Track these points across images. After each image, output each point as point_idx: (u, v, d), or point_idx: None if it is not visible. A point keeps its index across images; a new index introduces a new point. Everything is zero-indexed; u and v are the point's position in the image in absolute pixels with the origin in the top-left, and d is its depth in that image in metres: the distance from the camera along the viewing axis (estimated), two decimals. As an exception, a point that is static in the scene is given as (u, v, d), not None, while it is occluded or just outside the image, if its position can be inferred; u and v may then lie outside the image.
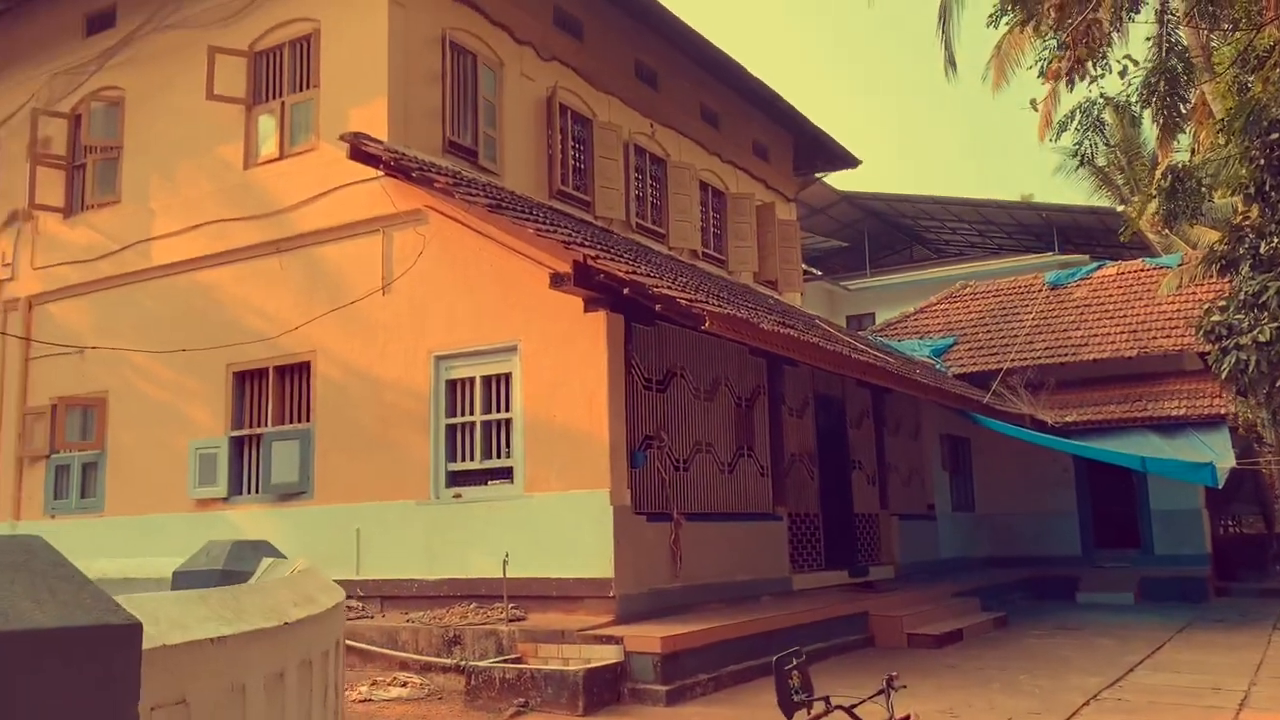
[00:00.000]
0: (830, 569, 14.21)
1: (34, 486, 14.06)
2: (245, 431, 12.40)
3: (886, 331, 22.88)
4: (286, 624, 2.86)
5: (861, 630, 12.36)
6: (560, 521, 10.04)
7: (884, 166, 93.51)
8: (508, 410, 10.63)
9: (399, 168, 10.68)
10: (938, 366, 19.96)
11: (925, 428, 18.28)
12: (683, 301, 8.87)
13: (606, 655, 8.90)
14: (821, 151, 21.28)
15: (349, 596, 11.07)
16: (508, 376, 10.65)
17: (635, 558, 10.03)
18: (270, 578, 4.68)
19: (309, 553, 11.43)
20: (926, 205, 30.92)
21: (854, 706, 4.43)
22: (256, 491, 12.18)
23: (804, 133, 20.39)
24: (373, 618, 10.75)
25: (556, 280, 9.68)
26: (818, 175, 23.32)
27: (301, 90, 12.53)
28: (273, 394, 12.24)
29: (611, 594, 9.69)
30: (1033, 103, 7.69)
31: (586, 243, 10.13)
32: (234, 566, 5.22)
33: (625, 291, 9.27)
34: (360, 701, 9.16)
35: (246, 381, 12.52)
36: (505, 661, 8.96)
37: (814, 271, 33.23)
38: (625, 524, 9.93)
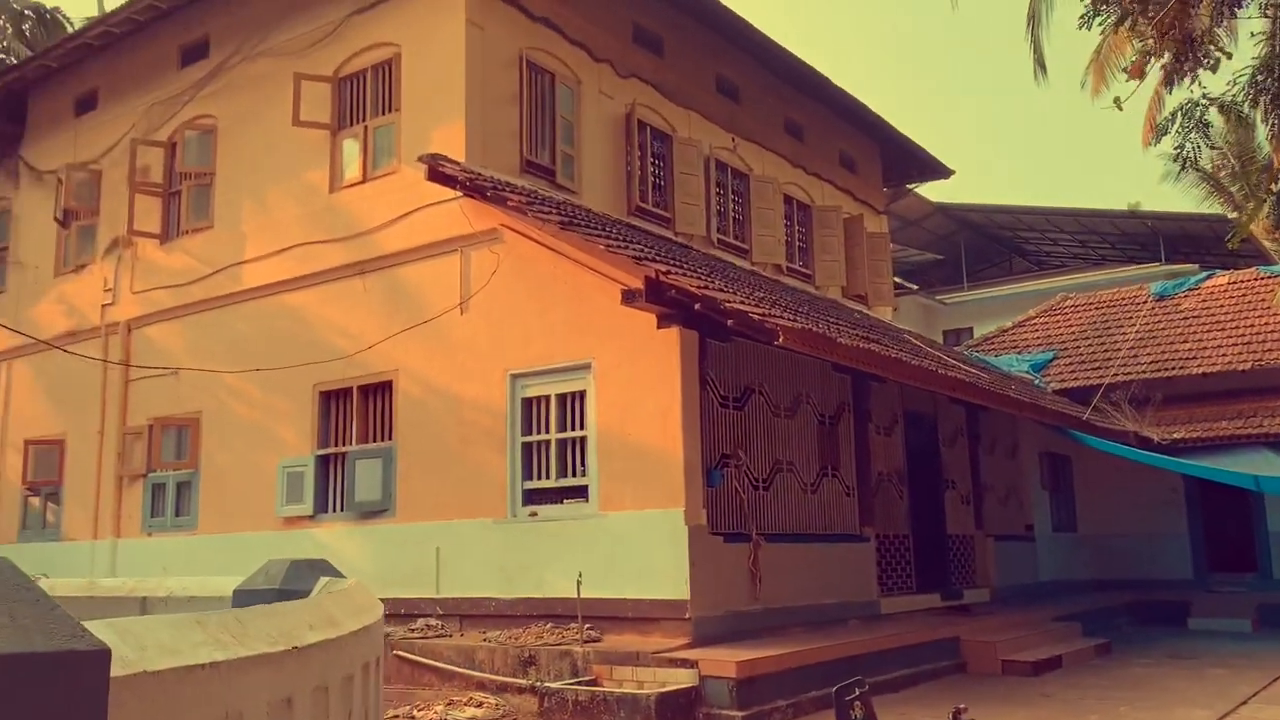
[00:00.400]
0: (921, 592, 13.76)
1: (133, 505, 14.48)
2: (331, 450, 12.57)
3: (983, 346, 22.21)
4: (296, 649, 2.76)
5: (953, 656, 11.90)
6: (635, 541, 9.90)
7: (983, 178, 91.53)
8: (582, 428, 10.54)
9: (474, 187, 10.72)
10: (1036, 382, 19.26)
11: (1023, 445, 17.63)
12: (755, 316, 8.67)
13: (681, 679, 8.71)
14: (912, 162, 20.83)
15: (429, 615, 11.14)
16: (582, 394, 10.57)
17: (712, 579, 9.81)
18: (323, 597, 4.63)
19: (391, 571, 11.56)
20: (1025, 216, 30.02)
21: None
22: (341, 509, 12.32)
23: (892, 143, 19.98)
24: (451, 636, 10.74)
25: (628, 296, 9.58)
26: (909, 186, 22.84)
27: (383, 114, 12.71)
28: (357, 413, 12.39)
29: (687, 616, 9.49)
30: (1117, 101, 7.25)
31: (659, 258, 10.00)
32: (291, 586, 5.19)
33: (696, 307, 9.11)
34: (435, 722, 9.14)
35: (332, 401, 12.70)
36: (578, 684, 8.83)
37: (909, 286, 32.57)
38: (701, 544, 9.73)
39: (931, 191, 28.53)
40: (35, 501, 15.93)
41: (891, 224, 28.82)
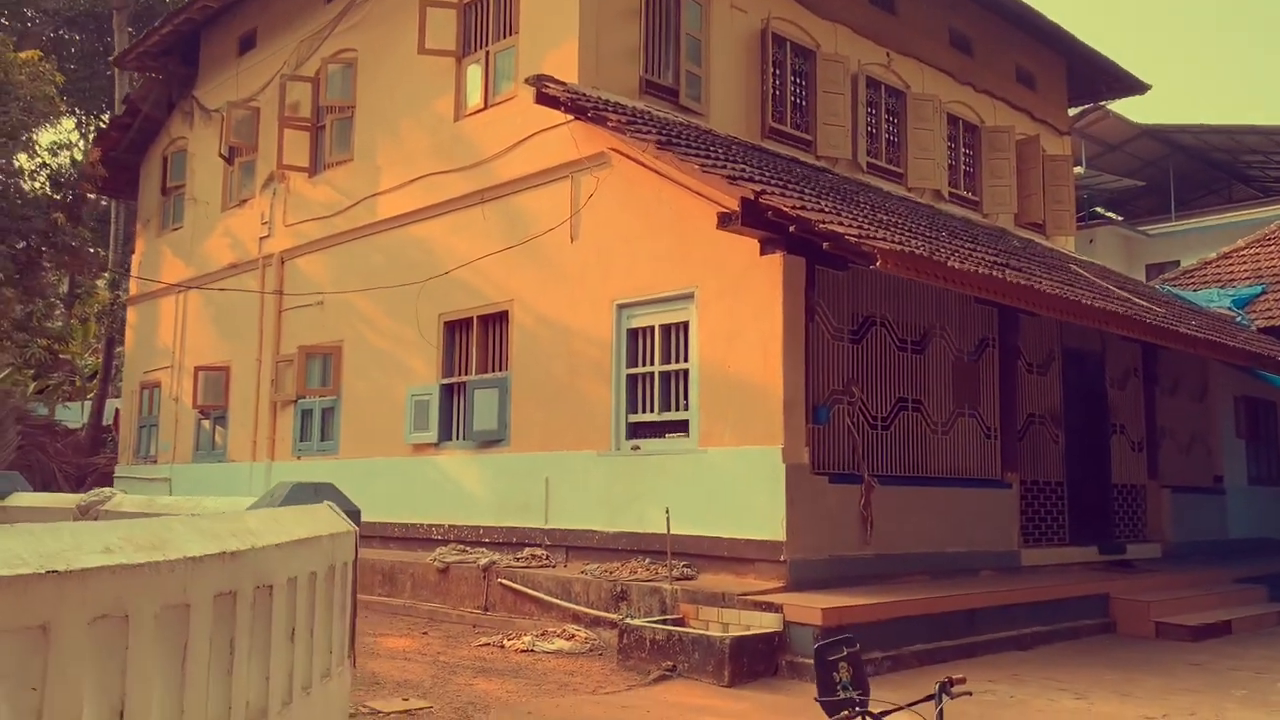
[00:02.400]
0: (1075, 544, 12.64)
1: (285, 429, 15.12)
2: (453, 379, 12.63)
3: (1180, 280, 20.13)
4: (57, 573, 2.50)
5: (1100, 615, 10.87)
6: (733, 479, 9.42)
7: (1201, 94, 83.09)
8: (685, 361, 10.08)
9: (576, 108, 10.33)
10: (1238, 319, 17.28)
11: (1214, 388, 15.90)
12: (851, 237, 7.92)
13: (765, 623, 8.24)
14: (1100, 76, 18.93)
15: (538, 545, 11.07)
16: (685, 325, 10.10)
17: (813, 521, 9.22)
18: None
19: (506, 500, 11.54)
20: (1247, 136, 26.94)
21: (886, 714, 3.57)
22: (462, 438, 12.38)
23: (1077, 56, 18.18)
24: (555, 567, 10.64)
25: (724, 219, 8.98)
26: (1100, 104, 20.84)
27: (504, 38, 12.46)
28: (476, 343, 12.37)
29: (782, 558, 8.97)
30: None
31: (767, 179, 9.32)
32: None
33: (791, 229, 8.44)
34: (522, 651, 9.05)
35: (455, 331, 12.73)
36: (656, 622, 8.50)
37: (1110, 216, 30.10)
38: (801, 484, 9.14)
39: (1138, 113, 26.02)
40: (206, 425, 16.92)
41: (1089, 149, 26.63)
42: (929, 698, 3.59)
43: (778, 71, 13.46)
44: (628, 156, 10.51)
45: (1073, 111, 20.47)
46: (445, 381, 12.66)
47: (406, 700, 7.04)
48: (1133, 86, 19.21)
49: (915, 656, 8.59)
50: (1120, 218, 30.19)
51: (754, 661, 7.90)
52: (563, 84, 10.77)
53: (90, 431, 24.44)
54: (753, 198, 8.64)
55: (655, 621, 8.55)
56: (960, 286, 8.72)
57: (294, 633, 3.69)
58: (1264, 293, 18.23)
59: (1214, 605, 11.67)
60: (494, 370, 12.12)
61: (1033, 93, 17.97)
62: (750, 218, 8.79)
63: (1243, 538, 15.69)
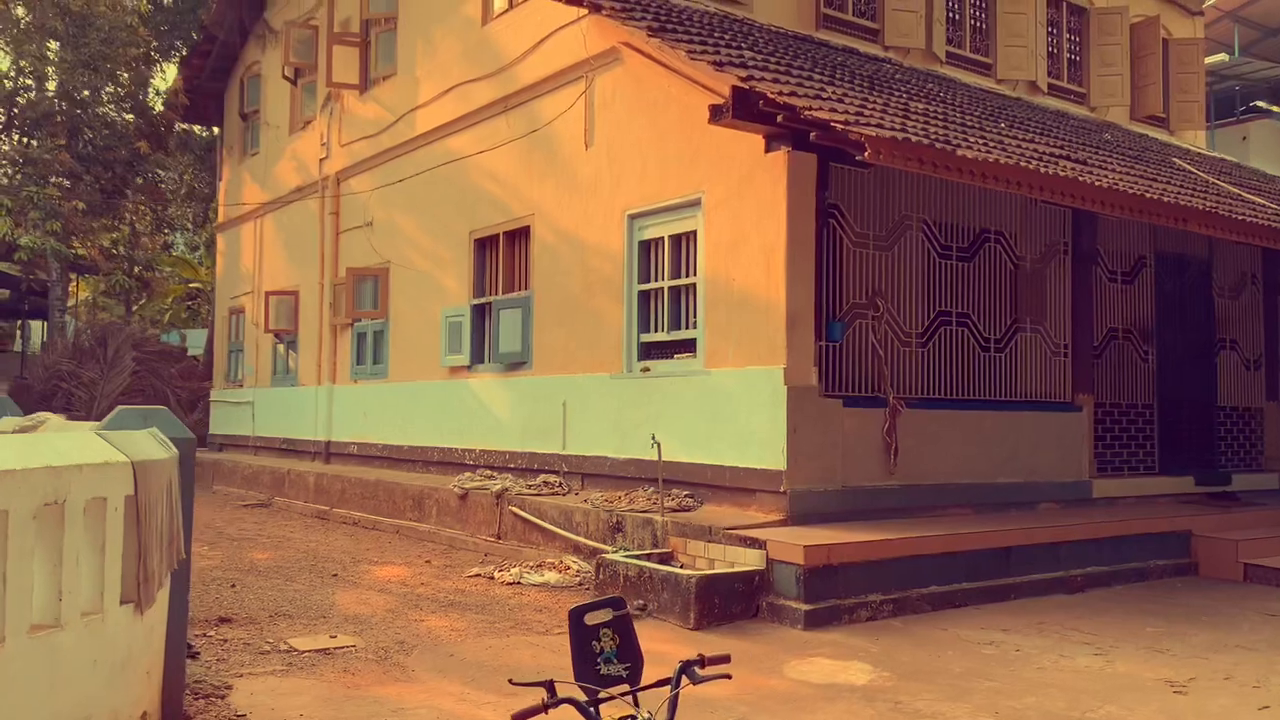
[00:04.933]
0: (1166, 474, 11.26)
1: (343, 353, 14.99)
2: (484, 300, 12.12)
3: (1339, 176, 17.71)
4: None
5: (1179, 555, 9.61)
6: (736, 402, 8.58)
7: None
8: (694, 274, 9.22)
9: (579, -3, 9.45)
10: (1399, 218, 15.03)
11: (1361, 299, 13.88)
12: (837, 124, 6.87)
13: (749, 560, 7.46)
14: (1242, -55, 16.61)
15: (556, 471, 10.53)
16: (694, 235, 9.21)
17: (821, 449, 8.31)
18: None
19: (529, 424, 11.02)
20: None
21: (600, 703, 2.81)
22: (491, 360, 11.88)
23: (1210, -78, 15.95)
24: (567, 495, 10.09)
25: (716, 112, 7.98)
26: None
27: (527, -68, 11.61)
28: (502, 260, 11.80)
29: (782, 489, 8.12)
30: None
31: (761, 63, 8.25)
32: (109, 429, 4.63)
33: (779, 118, 7.43)
34: (509, 584, 8.58)
35: (485, 249, 12.19)
36: (633, 557, 7.83)
37: (1273, 110, 27.03)
38: (806, 408, 8.23)
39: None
40: (281, 349, 17.03)
41: (1243, 35, 23.89)
42: (664, 681, 2.81)
43: (835, -47, 12.15)
44: (636, 50, 9.60)
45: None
46: (476, 302, 12.16)
47: (334, 638, 6.63)
48: (1281, -45, 16.80)
49: (926, 600, 7.68)
50: (1287, 112, 27.04)
51: (729, 602, 7.16)
52: (568, -29, 9.89)
53: (206, 357, 25.26)
54: (742, 84, 7.65)
55: (634, 556, 7.89)
56: (976, 179, 7.50)
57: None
58: None
59: (1325, 545, 10.19)
60: (518, 289, 11.53)
61: (1156, -34, 15.89)
62: (742, 109, 7.79)
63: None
